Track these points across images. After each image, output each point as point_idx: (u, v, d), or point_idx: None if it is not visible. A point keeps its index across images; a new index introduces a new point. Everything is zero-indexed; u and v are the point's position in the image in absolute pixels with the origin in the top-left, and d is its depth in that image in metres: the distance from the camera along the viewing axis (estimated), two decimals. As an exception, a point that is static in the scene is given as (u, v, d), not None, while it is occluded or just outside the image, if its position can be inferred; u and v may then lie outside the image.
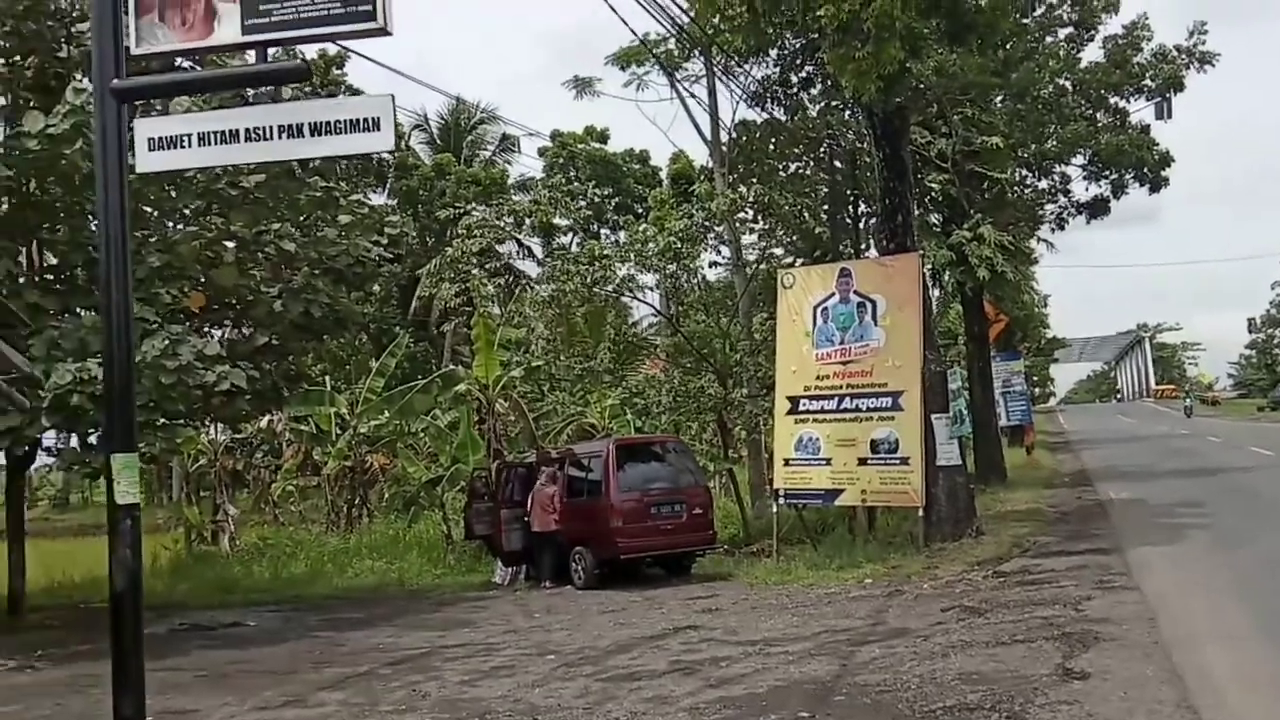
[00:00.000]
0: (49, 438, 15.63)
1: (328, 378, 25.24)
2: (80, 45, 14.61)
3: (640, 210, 39.10)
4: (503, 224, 26.54)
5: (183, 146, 5.21)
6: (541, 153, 43.15)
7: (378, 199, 33.68)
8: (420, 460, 24.43)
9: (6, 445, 14.21)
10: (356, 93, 17.50)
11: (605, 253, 21.78)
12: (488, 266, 29.66)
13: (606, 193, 42.20)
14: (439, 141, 42.35)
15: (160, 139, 5.20)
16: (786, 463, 16.85)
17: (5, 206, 14.99)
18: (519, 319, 24.28)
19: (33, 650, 14.02)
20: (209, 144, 5.20)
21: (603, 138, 44.33)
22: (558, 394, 25.99)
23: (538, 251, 40.24)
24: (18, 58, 14.86)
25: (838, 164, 22.38)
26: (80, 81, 14.58)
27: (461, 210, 31.87)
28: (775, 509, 17.38)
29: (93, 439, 14.40)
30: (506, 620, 14.10)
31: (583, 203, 37.01)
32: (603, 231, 41.18)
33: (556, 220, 35.63)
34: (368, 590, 18.21)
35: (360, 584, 18.80)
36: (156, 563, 21.83)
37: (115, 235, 5.37)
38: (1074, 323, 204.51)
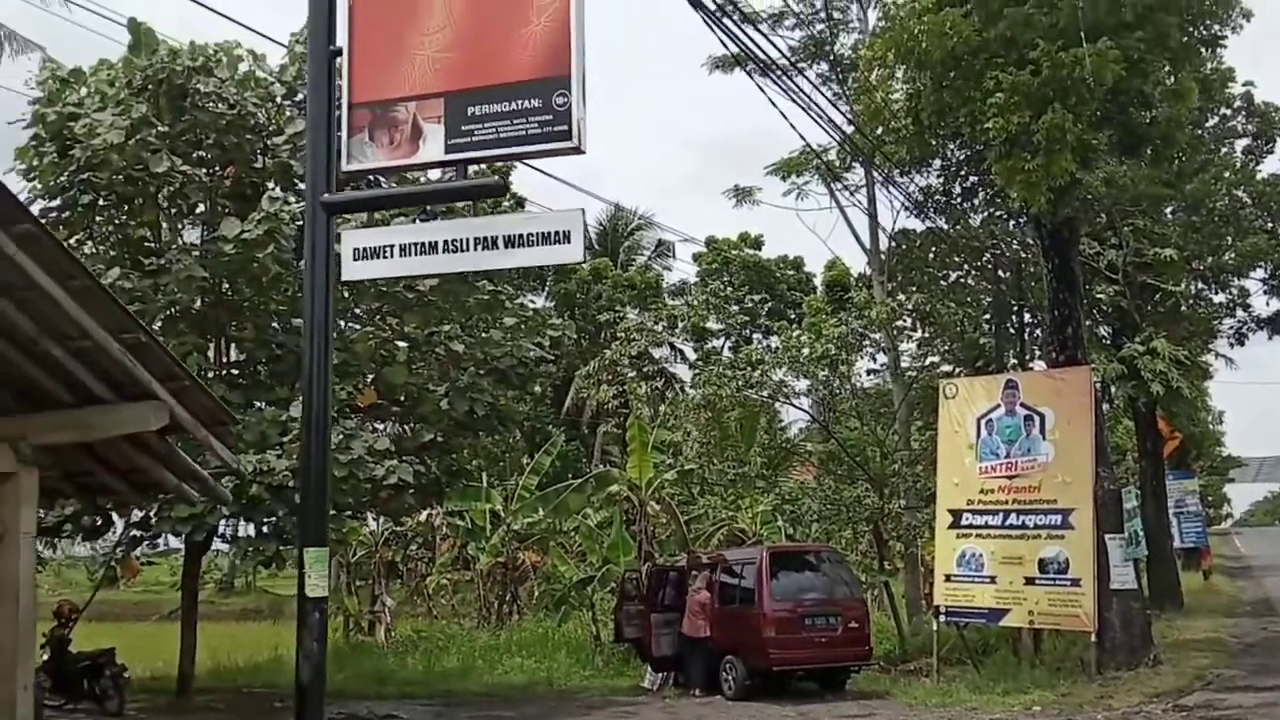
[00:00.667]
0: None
1: (484, 474, 25.71)
2: (275, 157, 15.62)
3: (793, 316, 39.08)
4: (659, 329, 26.87)
5: (385, 256, 5.52)
6: (696, 258, 43.75)
7: (537, 301, 34.61)
8: (571, 559, 24.54)
9: (188, 531, 14.93)
10: (521, 202, 18.14)
11: (760, 358, 21.79)
12: (644, 369, 30.00)
13: (760, 298, 42.37)
14: (597, 246, 43.40)
15: (365, 249, 5.52)
16: (948, 578, 16.31)
17: (199, 305, 15.99)
18: (673, 421, 24.38)
19: (199, 732, 14.49)
20: (409, 255, 5.49)
21: (757, 244, 44.69)
22: (709, 498, 25.84)
23: (690, 354, 40.53)
24: (218, 168, 15.93)
25: (1002, 273, 21.99)
26: (274, 190, 15.60)
27: (620, 315, 32.49)
28: (935, 626, 16.75)
29: (266, 528, 15.04)
30: (656, 728, 13.92)
31: (735, 307, 37.23)
32: (755, 336, 41.22)
33: (710, 324, 35.93)
34: (517, 688, 18.23)
35: (510, 681, 18.84)
36: (315, 650, 22.33)
37: (319, 338, 5.68)
38: (1251, 441, 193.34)
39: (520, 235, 5.41)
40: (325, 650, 5.70)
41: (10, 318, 4.97)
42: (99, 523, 16.38)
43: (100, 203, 15.46)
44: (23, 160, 15.21)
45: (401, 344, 16.73)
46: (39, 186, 15.13)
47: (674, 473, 23.09)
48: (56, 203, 15.13)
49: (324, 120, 5.76)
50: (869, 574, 20.95)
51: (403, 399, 17.02)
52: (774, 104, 15.22)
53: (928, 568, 19.70)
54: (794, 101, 16.29)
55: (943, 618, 16.53)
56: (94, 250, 16.07)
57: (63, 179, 14.98)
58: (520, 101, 5.23)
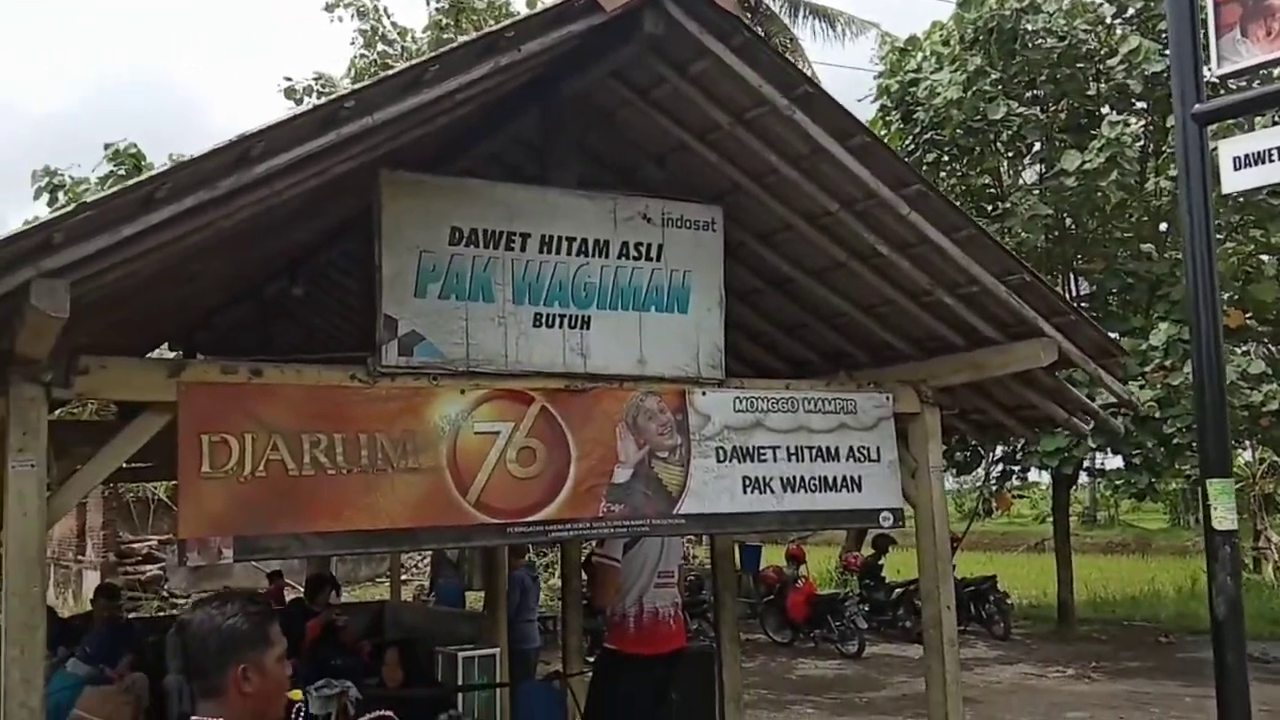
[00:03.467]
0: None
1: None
2: (1109, 80, 15.12)
3: None
4: None
5: (1271, 161, 5.01)
6: None
7: None
8: None
9: (1055, 465, 15.22)
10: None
11: None
12: None
13: None
14: None
15: (1248, 156, 5.06)
16: None
17: (1043, 242, 16.16)
18: None
19: (1086, 661, 14.72)
20: (1299, 155, 4.93)
21: None
22: None
23: None
24: (1051, 103, 15.88)
25: None
26: (1111, 115, 15.13)
27: None
28: None
29: (1136, 459, 14.71)
30: None
31: None
32: None
33: None
34: None
35: None
36: (1196, 585, 21.45)
37: (1201, 257, 5.36)
38: None
39: None
40: (1239, 585, 5.37)
41: (907, 273, 5.46)
42: (968, 457, 17.50)
43: (944, 159, 16.38)
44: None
45: (1267, 258, 15.14)
46: (889, 154, 16.49)
47: None
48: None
49: (1187, 26, 5.38)
50: None
51: (1273, 316, 15.40)
52: None
53: None
54: None
55: None
56: (942, 204, 17.10)
57: (908, 142, 16.16)
58: None
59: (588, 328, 5.13)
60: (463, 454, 4.69)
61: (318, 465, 4.38)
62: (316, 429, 4.42)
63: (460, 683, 8.40)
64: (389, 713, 5.89)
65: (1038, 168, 16.90)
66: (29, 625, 3.82)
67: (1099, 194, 14.60)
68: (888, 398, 5.88)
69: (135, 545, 21.72)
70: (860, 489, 5.75)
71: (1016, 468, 17.69)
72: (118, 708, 4.68)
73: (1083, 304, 16.81)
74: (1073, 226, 16.45)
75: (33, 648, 3.82)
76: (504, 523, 4.76)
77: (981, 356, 5.71)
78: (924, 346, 6.01)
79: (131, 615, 14.09)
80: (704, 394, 5.39)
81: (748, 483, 5.47)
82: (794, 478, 5.60)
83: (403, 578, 16.83)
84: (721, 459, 5.40)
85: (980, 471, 19.44)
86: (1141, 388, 13.66)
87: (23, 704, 3.78)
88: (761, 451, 5.53)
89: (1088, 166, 14.17)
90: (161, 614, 17.26)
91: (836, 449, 5.72)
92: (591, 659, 7.55)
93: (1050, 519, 20.98)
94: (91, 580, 19.17)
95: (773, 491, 5.54)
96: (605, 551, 6.56)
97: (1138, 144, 14.33)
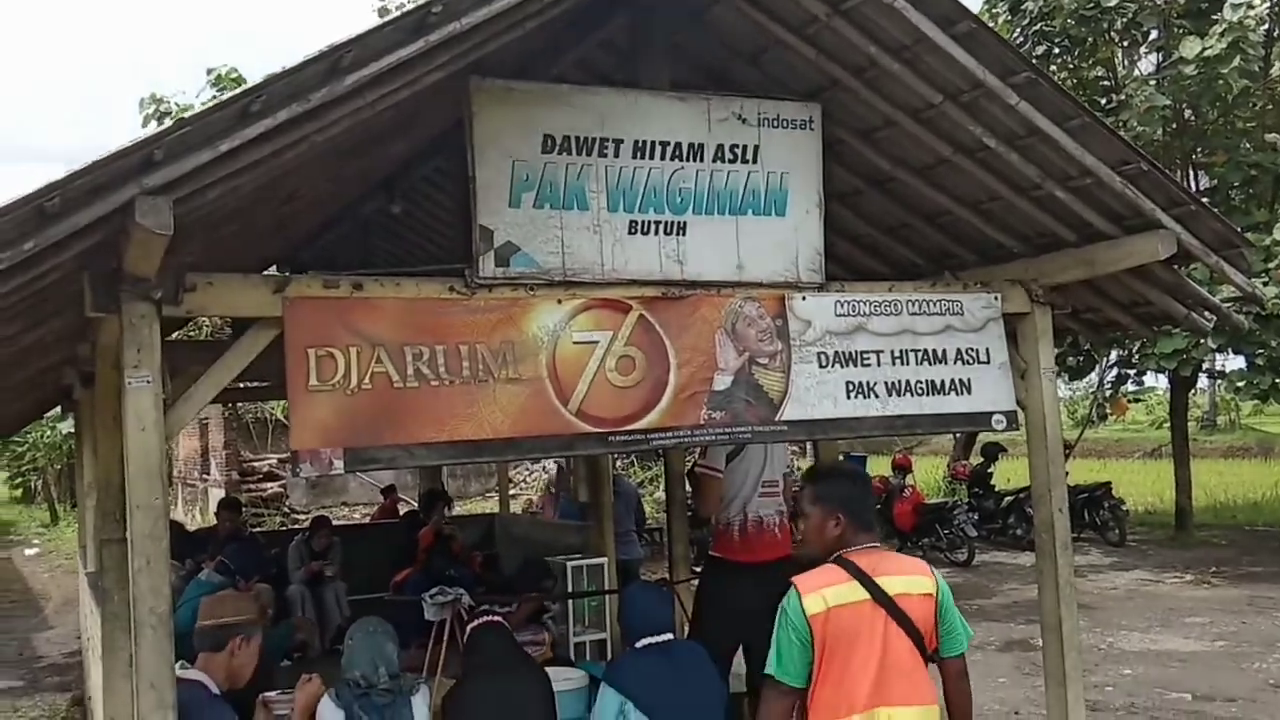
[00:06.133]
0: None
1: None
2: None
3: None
4: None
5: None
6: None
7: None
8: None
9: (1173, 368, 14.72)
10: None
11: None
12: None
13: None
14: None
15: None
16: None
17: (1160, 135, 15.46)
18: None
19: (1205, 566, 14.40)
20: None
21: None
22: None
23: None
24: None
25: None
26: (1234, -2, 14.29)
27: None
28: None
29: (1259, 360, 14.13)
30: None
31: None
32: None
33: None
34: None
35: None
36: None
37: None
38: None
39: None
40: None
41: (1015, 166, 5.24)
42: (1081, 362, 17.02)
43: (1054, 51, 15.71)
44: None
45: None
46: (996, 47, 15.83)
47: None
48: (1012, 59, 15.69)
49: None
50: None
51: None
52: None
53: None
54: None
55: None
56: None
57: (1016, 35, 15.51)
58: None
59: (684, 234, 5.04)
60: (562, 363, 4.67)
61: (421, 377, 4.42)
62: (418, 341, 4.44)
63: (569, 590, 8.55)
64: (499, 618, 6.02)
65: (1154, 57, 16.18)
66: (153, 536, 3.95)
67: (1220, 82, 13.88)
68: (996, 297, 5.68)
69: (256, 464, 22.56)
70: (970, 391, 5.59)
71: (1132, 372, 17.18)
72: (237, 607, 4.84)
73: (1203, 199, 16.10)
74: (1192, 118, 15.71)
75: (158, 558, 3.95)
76: (605, 431, 4.75)
77: (1095, 252, 5.47)
78: (1033, 243, 5.78)
79: (255, 529, 14.68)
80: (804, 299, 5.27)
81: (851, 388, 5.35)
82: (899, 382, 5.46)
83: (511, 492, 17.16)
84: (824, 364, 5.29)
85: (1094, 377, 18.93)
86: (1265, 284, 13.14)
87: (152, 610, 3.93)
88: (865, 356, 5.39)
89: (1208, 53, 13.47)
90: (283, 529, 17.95)
91: (944, 351, 5.56)
92: (698, 568, 7.60)
93: (1167, 424, 20.39)
94: (217, 497, 19.99)
95: (877, 396, 5.41)
96: (707, 461, 6.56)
97: (1262, 28, 13.59)
